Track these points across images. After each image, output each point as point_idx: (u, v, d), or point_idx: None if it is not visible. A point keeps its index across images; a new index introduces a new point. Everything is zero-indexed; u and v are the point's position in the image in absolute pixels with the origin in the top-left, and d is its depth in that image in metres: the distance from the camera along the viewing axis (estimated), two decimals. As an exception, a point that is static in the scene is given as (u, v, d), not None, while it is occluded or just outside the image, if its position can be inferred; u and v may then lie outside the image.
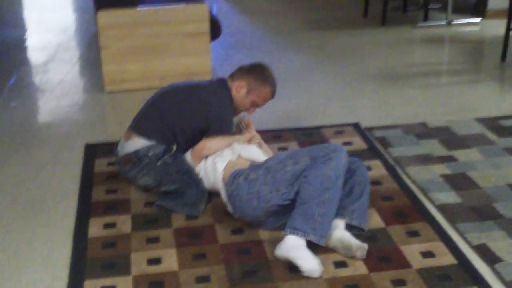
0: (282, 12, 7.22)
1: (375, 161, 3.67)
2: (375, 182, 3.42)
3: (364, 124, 4.17)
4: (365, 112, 4.43)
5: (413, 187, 3.42)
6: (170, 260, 2.83)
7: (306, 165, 2.85)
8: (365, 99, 4.67)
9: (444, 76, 5.27)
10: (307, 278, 2.68)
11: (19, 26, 7.11)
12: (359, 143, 3.90)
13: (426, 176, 3.49)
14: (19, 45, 6.31)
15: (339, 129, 4.09)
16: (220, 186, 3.12)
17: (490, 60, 5.55)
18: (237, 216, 3.06)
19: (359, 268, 2.75)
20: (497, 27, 6.22)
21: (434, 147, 3.83)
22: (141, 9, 4.80)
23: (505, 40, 5.37)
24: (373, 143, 3.90)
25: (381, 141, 3.92)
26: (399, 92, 4.79)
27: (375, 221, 3.09)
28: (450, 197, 3.28)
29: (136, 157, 3.23)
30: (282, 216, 2.94)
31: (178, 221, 3.12)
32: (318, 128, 4.10)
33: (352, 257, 2.80)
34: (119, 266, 2.79)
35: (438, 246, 2.88)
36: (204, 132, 3.30)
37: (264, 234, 2.99)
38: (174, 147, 3.26)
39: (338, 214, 2.90)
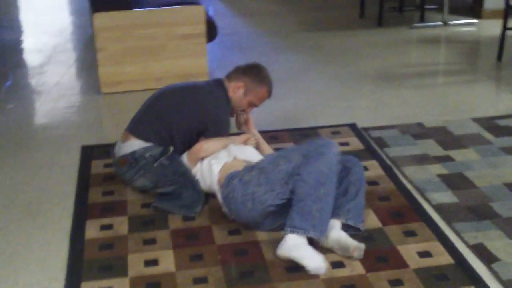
0: (278, 13, 7.22)
1: (371, 161, 3.67)
2: (372, 182, 3.42)
3: (361, 124, 4.18)
4: (362, 112, 4.44)
5: (409, 187, 3.42)
6: (167, 261, 2.82)
7: (298, 162, 2.85)
8: (362, 100, 4.67)
9: (441, 76, 5.28)
10: (304, 278, 2.68)
11: (15, 28, 7.11)
12: (355, 144, 3.90)
13: (422, 176, 3.49)
14: (15, 47, 6.31)
15: (336, 130, 4.09)
16: (216, 188, 3.12)
17: (486, 60, 5.56)
18: (233, 218, 3.05)
19: (356, 268, 2.75)
20: (493, 27, 6.24)
21: (431, 147, 3.83)
22: (137, 11, 4.80)
23: (501, 40, 5.37)
24: (369, 143, 3.90)
25: (378, 141, 3.92)
26: (396, 92, 4.79)
27: (372, 221, 3.09)
28: (446, 196, 3.28)
29: (133, 158, 3.23)
30: (279, 217, 2.94)
31: (175, 222, 3.11)
32: (315, 129, 4.10)
33: (349, 258, 2.80)
34: (116, 268, 2.78)
35: (435, 246, 2.89)
36: (201, 133, 3.30)
37: (261, 235, 2.99)
38: (171, 149, 3.26)
39: (334, 214, 2.90)
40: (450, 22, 6.52)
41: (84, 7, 7.12)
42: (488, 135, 3.96)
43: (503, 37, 5.36)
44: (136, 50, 4.80)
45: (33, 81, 5.27)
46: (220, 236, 3.00)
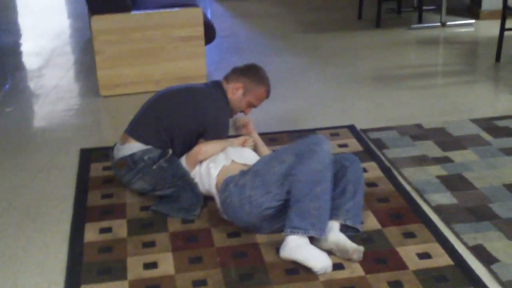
0: (276, 15, 7.22)
1: (370, 162, 3.67)
2: (371, 184, 3.42)
3: (360, 126, 4.18)
4: (361, 114, 4.44)
5: (409, 188, 3.42)
6: (166, 264, 2.82)
7: (291, 162, 2.85)
8: (360, 101, 4.67)
9: (439, 77, 5.28)
10: (304, 280, 2.68)
11: (14, 32, 7.10)
12: (354, 145, 3.90)
13: (421, 177, 3.49)
14: (14, 51, 6.31)
15: (334, 131, 4.09)
16: (214, 192, 3.11)
17: (484, 61, 5.57)
18: (230, 220, 3.05)
19: (355, 270, 2.74)
20: (491, 28, 6.24)
21: (430, 148, 3.83)
22: (135, 13, 4.80)
23: (499, 41, 5.38)
24: (368, 145, 3.90)
25: (377, 142, 3.92)
26: (394, 93, 4.79)
27: (371, 222, 3.09)
28: (446, 198, 3.28)
29: (132, 160, 3.23)
30: (277, 220, 2.94)
31: (174, 225, 3.11)
32: (313, 130, 4.10)
33: (349, 260, 2.79)
34: (115, 271, 2.78)
35: (435, 247, 2.88)
36: (201, 135, 3.30)
37: (260, 237, 2.99)
38: (170, 151, 3.25)
39: (332, 215, 2.90)
40: (448, 23, 6.52)
41: (82, 10, 7.12)
42: (487, 136, 3.96)
43: (501, 37, 5.36)
44: (134, 52, 4.80)
45: (32, 84, 5.27)
46: (219, 238, 2.99)
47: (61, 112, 4.61)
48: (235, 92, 3.37)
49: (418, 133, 4.03)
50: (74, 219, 3.19)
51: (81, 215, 3.22)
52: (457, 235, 2.98)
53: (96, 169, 3.68)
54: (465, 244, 2.91)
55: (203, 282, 2.70)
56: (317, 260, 2.71)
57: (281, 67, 5.40)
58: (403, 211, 3.18)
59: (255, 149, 3.41)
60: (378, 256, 2.83)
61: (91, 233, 3.06)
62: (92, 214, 3.23)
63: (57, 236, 3.08)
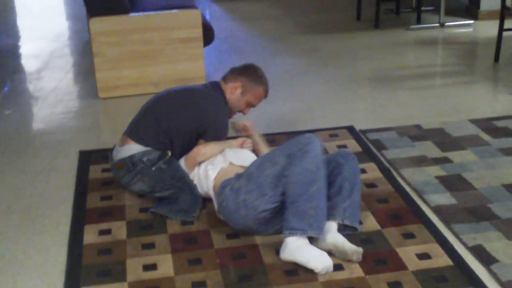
0: (275, 17, 7.23)
1: (369, 163, 3.67)
2: (370, 185, 3.42)
3: (359, 127, 4.18)
4: (360, 114, 4.44)
5: (408, 189, 3.42)
6: (165, 265, 2.82)
7: (283, 163, 2.84)
8: (359, 102, 4.67)
9: (438, 78, 5.28)
10: (303, 281, 2.68)
11: (12, 34, 7.10)
12: (353, 146, 3.90)
13: (421, 177, 3.49)
14: (13, 53, 6.31)
15: (333, 132, 4.09)
16: (212, 194, 3.11)
17: (483, 61, 5.57)
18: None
19: (355, 271, 2.74)
20: (490, 28, 6.24)
21: (429, 148, 3.83)
22: (134, 15, 4.80)
23: (498, 41, 5.38)
24: (367, 146, 3.91)
25: (376, 143, 3.92)
26: (393, 94, 4.79)
27: (371, 223, 3.08)
28: (445, 198, 3.28)
29: (131, 162, 3.23)
30: (274, 222, 2.93)
31: (173, 226, 3.11)
32: (312, 132, 4.09)
33: (348, 261, 2.79)
34: (114, 273, 2.78)
35: (434, 248, 2.88)
36: (200, 136, 3.30)
37: (259, 239, 2.98)
38: (169, 153, 3.25)
39: (330, 215, 2.89)
40: (446, 23, 6.52)
41: (81, 12, 7.12)
42: (486, 136, 3.96)
43: (499, 38, 5.37)
44: (133, 54, 4.80)
45: (31, 87, 5.27)
46: (218, 240, 2.99)
47: (60, 114, 4.61)
48: (233, 91, 3.38)
49: (417, 133, 4.04)
50: (73, 221, 3.19)
51: (81, 217, 3.22)
52: (456, 235, 2.98)
53: (95, 171, 3.68)
54: (464, 244, 2.91)
55: (203, 283, 2.69)
56: (318, 261, 2.71)
57: (280, 69, 5.40)
58: (402, 212, 3.18)
59: (255, 150, 3.41)
60: (378, 257, 2.83)
61: (90, 235, 3.06)
62: (91, 216, 3.23)
63: (56, 238, 3.08)
